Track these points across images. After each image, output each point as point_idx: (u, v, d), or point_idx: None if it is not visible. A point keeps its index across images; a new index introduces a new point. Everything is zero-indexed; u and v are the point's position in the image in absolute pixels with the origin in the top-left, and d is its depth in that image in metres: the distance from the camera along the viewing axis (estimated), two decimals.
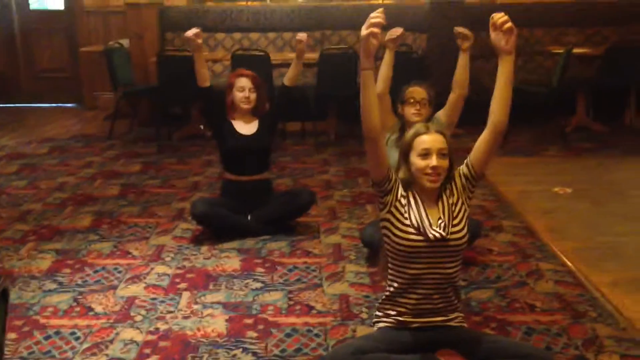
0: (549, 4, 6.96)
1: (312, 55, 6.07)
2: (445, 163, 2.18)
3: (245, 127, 3.65)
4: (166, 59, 5.70)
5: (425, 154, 2.17)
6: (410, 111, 3.12)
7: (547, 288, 2.99)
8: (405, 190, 2.25)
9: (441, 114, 3.22)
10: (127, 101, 6.52)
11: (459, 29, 3.15)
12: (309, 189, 3.89)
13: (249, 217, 3.64)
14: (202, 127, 6.05)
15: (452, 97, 3.20)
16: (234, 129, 3.62)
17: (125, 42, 6.43)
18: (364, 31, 2.03)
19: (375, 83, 2.37)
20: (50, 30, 7.63)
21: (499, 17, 2.08)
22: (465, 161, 2.25)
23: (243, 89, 3.56)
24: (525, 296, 2.91)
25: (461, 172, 2.26)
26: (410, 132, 2.26)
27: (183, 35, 3.51)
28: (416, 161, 2.18)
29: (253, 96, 3.58)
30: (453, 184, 2.25)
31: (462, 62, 3.18)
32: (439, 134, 2.21)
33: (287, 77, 3.69)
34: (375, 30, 2.02)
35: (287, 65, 6.49)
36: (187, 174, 4.93)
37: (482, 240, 3.48)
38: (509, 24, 2.06)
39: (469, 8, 6.35)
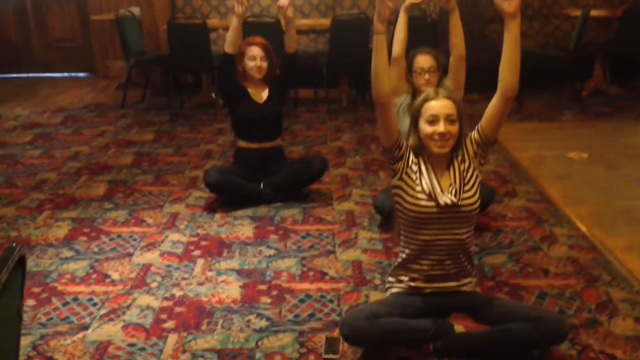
0: None
1: (324, 21, 6.00)
2: (453, 129, 2.16)
3: (257, 95, 3.63)
4: (177, 27, 5.65)
5: (433, 120, 2.15)
6: (419, 81, 3.09)
7: (561, 253, 2.98)
8: (416, 156, 2.24)
9: (447, 80, 3.17)
10: (139, 70, 6.52)
11: None
12: (322, 156, 3.89)
13: (261, 185, 3.65)
14: (213, 95, 6.04)
15: (451, 60, 3.14)
16: (248, 95, 3.61)
17: (136, 10, 6.38)
18: None
19: (390, 47, 2.34)
20: (60, 1, 7.59)
21: None
22: (476, 127, 2.23)
23: (254, 57, 3.54)
24: (538, 261, 2.91)
25: (472, 138, 2.23)
26: (419, 98, 2.24)
27: None
28: (424, 127, 2.17)
29: (264, 65, 3.56)
30: (464, 150, 2.24)
31: (452, 22, 3.12)
32: (448, 99, 2.18)
33: (286, 45, 3.65)
34: None
35: (298, 32, 6.46)
36: (200, 142, 4.94)
37: (496, 206, 3.47)
38: None
39: None
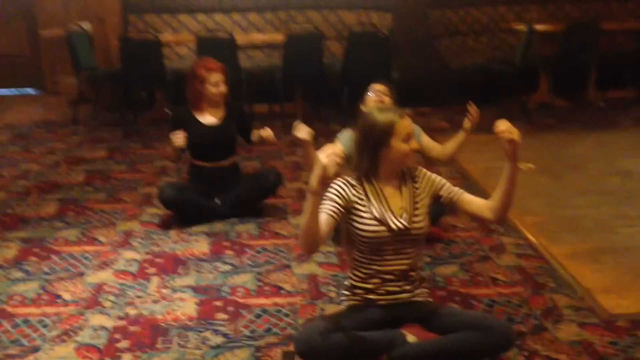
0: None
1: (278, 36, 6.05)
2: None
3: (211, 118, 3.65)
4: (129, 42, 5.61)
5: (408, 138, 2.21)
6: (371, 101, 3.16)
7: (509, 261, 3.08)
8: (361, 183, 2.25)
9: (423, 136, 3.31)
10: (90, 86, 6.42)
11: (473, 111, 3.10)
12: (276, 170, 3.91)
13: (217, 200, 3.65)
14: (167, 110, 5.99)
15: (436, 151, 3.32)
16: (197, 120, 3.62)
17: (86, 25, 6.29)
18: (324, 159, 1.93)
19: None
20: (8, 14, 7.42)
21: (500, 126, 2.08)
22: (454, 190, 2.29)
23: (217, 84, 3.56)
24: (488, 270, 3.00)
25: (442, 190, 2.29)
26: (384, 118, 2.19)
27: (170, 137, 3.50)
28: (400, 146, 2.19)
29: (225, 87, 3.60)
30: (427, 184, 2.29)
31: (459, 139, 3.23)
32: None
33: (253, 139, 3.75)
34: (338, 160, 1.95)
35: (252, 47, 6.49)
36: (154, 158, 4.90)
37: (447, 217, 3.55)
38: (507, 136, 2.06)
39: None
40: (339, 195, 2.21)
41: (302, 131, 2.74)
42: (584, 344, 2.39)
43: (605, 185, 4.12)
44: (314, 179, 1.96)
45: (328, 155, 1.93)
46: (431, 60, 6.39)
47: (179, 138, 3.45)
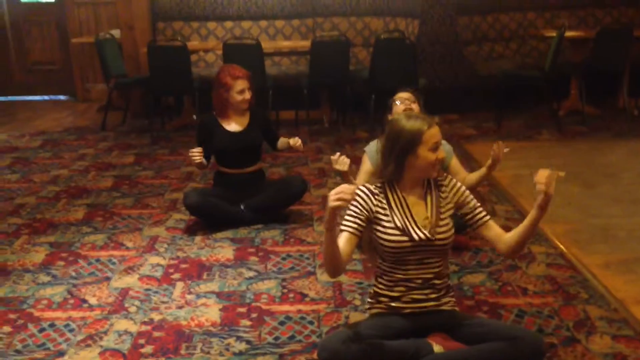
0: None
1: (305, 43, 6.05)
2: None
3: (236, 125, 3.65)
4: (157, 49, 5.67)
5: (436, 147, 2.17)
6: (400, 109, 3.12)
7: (539, 271, 3.01)
8: (384, 191, 2.23)
9: (453, 158, 3.23)
10: (120, 92, 6.51)
11: (497, 148, 3.00)
12: (301, 177, 3.90)
13: (242, 207, 3.64)
14: (194, 117, 6.04)
15: (459, 177, 3.07)
16: (224, 128, 3.63)
17: (116, 33, 6.39)
18: (333, 202, 1.94)
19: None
20: (41, 23, 7.59)
21: (540, 176, 2.04)
22: (480, 213, 2.24)
23: (243, 91, 3.56)
24: (517, 279, 2.93)
25: (468, 205, 2.24)
26: (412, 126, 2.16)
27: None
28: (428, 155, 2.16)
29: (250, 94, 3.59)
30: (454, 194, 2.25)
31: (481, 174, 3.13)
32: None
33: (279, 145, 3.76)
34: (344, 205, 1.96)
35: (278, 53, 6.51)
36: (181, 164, 4.92)
37: None
38: (542, 188, 2.02)
39: None
40: (361, 207, 2.19)
41: (341, 164, 2.98)
42: (617, 357, 2.31)
43: (639, 194, 4.01)
44: (325, 218, 2.00)
45: (338, 198, 1.94)
46: (458, 66, 6.32)
47: (193, 156, 3.45)
